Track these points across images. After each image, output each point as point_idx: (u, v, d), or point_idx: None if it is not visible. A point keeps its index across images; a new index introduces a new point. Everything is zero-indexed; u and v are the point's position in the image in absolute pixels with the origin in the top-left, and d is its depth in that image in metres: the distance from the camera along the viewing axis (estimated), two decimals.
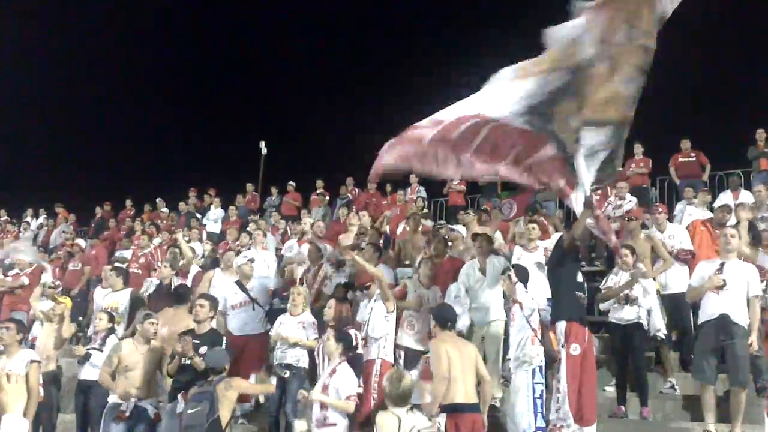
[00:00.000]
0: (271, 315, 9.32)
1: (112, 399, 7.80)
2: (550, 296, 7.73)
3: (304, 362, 8.34)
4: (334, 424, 6.61)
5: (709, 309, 7.28)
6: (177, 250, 11.20)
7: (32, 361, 7.33)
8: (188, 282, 10.56)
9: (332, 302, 7.94)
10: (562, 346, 6.84)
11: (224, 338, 7.82)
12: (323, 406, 6.67)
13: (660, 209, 10.09)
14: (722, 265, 7.35)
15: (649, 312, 8.11)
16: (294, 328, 8.41)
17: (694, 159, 14.11)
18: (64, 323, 9.11)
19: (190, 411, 6.73)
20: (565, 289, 7.21)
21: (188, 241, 14.04)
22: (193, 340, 7.45)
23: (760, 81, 18.19)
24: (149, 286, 10.97)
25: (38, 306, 10.22)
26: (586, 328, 7.05)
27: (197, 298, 8.19)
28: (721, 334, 7.10)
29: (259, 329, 9.17)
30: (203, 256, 13.43)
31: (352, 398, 6.70)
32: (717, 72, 20.30)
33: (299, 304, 8.57)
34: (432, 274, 8.55)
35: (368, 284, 8.52)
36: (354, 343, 7.46)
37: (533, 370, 6.70)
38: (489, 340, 8.20)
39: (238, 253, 10.88)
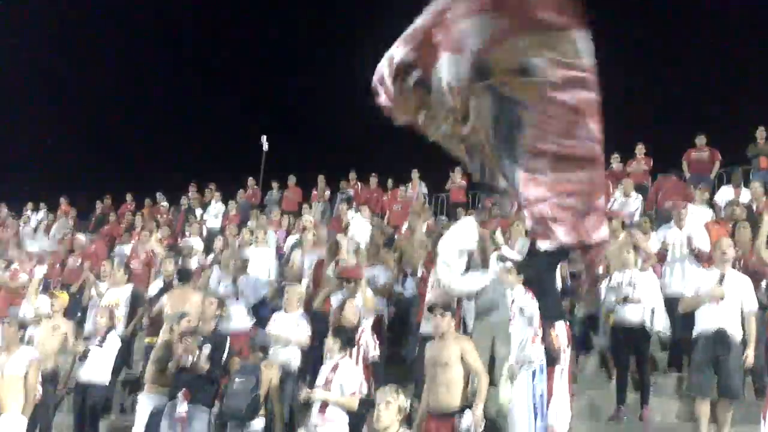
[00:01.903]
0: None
1: (155, 401, 7.71)
2: None
3: (297, 362, 8.37)
4: (332, 421, 6.62)
5: (706, 322, 7.23)
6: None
7: (32, 360, 7.31)
8: None
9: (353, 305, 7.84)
10: (568, 347, 6.86)
11: (228, 338, 7.81)
12: (323, 403, 6.68)
13: (684, 204, 9.93)
14: (723, 276, 7.31)
15: (653, 311, 8.07)
16: (287, 326, 8.41)
17: (707, 155, 14.07)
18: (69, 339, 9.09)
19: (238, 379, 7.33)
20: (554, 291, 7.22)
21: (188, 237, 14.06)
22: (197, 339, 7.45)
23: (761, 78, 18.14)
24: (154, 287, 10.84)
25: (31, 305, 10.20)
26: None
27: (205, 296, 8.18)
28: (718, 347, 7.08)
29: (242, 324, 9.17)
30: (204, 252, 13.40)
31: (356, 394, 6.73)
32: (719, 69, 20.23)
33: (294, 303, 8.57)
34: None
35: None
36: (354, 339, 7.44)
37: (533, 371, 6.63)
38: (500, 341, 8.14)
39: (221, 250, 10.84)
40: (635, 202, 11.62)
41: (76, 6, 28.32)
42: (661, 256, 9.24)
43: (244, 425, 7.27)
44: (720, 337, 7.10)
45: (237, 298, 9.36)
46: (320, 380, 6.92)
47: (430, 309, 6.85)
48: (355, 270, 8.65)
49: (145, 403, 7.87)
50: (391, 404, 5.08)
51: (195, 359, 7.36)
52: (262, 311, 9.38)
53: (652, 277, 8.45)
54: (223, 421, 7.49)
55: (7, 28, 24.52)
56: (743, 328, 7.18)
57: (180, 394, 7.28)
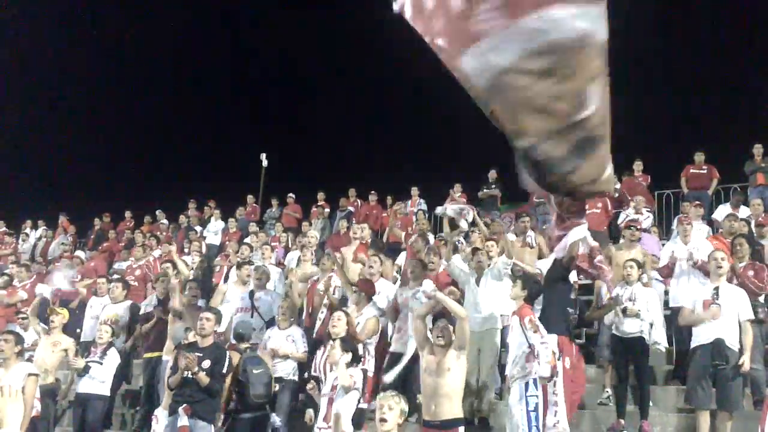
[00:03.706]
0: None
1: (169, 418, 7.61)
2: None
3: (294, 375, 8.48)
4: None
5: (704, 333, 7.36)
6: (169, 266, 11.16)
7: (30, 374, 7.31)
8: None
9: (341, 315, 7.80)
10: (559, 359, 6.89)
11: (227, 352, 7.80)
12: (329, 407, 6.73)
13: (688, 220, 10.03)
14: (717, 289, 7.46)
15: (651, 325, 8.11)
16: (283, 342, 8.51)
17: (705, 172, 14.17)
18: (69, 355, 9.09)
19: (255, 370, 7.78)
20: (558, 305, 7.25)
21: (187, 254, 14.06)
22: (196, 354, 7.42)
23: (758, 96, 18.27)
24: (148, 302, 10.82)
25: (36, 320, 10.18)
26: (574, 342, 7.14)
27: (203, 311, 8.17)
28: (716, 357, 7.20)
29: (255, 339, 9.13)
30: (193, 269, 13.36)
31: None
32: (716, 87, 20.40)
33: (287, 318, 8.69)
34: None
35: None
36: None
37: (527, 383, 6.72)
38: (486, 352, 8.19)
39: (239, 265, 10.84)
40: (647, 221, 11.67)
41: (75, 23, 28.53)
42: (669, 271, 9.31)
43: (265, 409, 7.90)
44: (718, 348, 7.21)
45: (252, 315, 9.37)
46: (326, 388, 6.97)
47: (435, 320, 6.85)
48: (368, 284, 8.71)
49: (163, 418, 7.83)
50: (394, 408, 5.15)
51: (195, 374, 7.34)
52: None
53: (654, 292, 8.51)
54: (247, 405, 7.77)
55: (6, 44, 24.70)
56: (740, 340, 7.29)
57: (180, 409, 7.27)
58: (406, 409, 5.27)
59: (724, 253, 7.86)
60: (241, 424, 7.83)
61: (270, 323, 9.30)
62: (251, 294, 9.61)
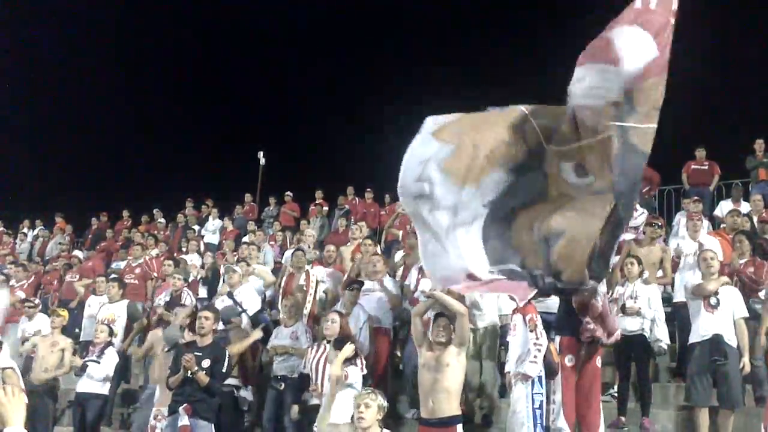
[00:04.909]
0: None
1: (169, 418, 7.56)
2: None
3: (298, 373, 8.38)
4: (337, 425, 6.60)
5: (702, 329, 7.38)
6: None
7: (4, 369, 7.30)
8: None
9: (335, 316, 7.74)
10: (566, 358, 6.86)
11: (227, 351, 7.75)
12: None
13: (698, 216, 10.03)
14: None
15: (653, 321, 8.09)
16: (287, 339, 8.52)
17: (706, 168, 14.16)
18: (66, 355, 9.08)
19: None
20: (566, 308, 7.23)
21: (185, 253, 14.03)
22: (195, 353, 7.36)
23: (760, 91, 18.26)
24: (160, 300, 10.74)
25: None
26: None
27: (201, 309, 8.12)
28: (714, 354, 7.20)
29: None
30: (202, 268, 13.33)
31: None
32: (717, 83, 20.39)
33: (292, 316, 8.68)
34: None
35: None
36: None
37: (532, 381, 6.66)
38: (488, 349, 8.15)
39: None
40: (640, 217, 11.64)
41: (74, 22, 28.47)
42: (674, 265, 9.29)
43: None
44: (716, 345, 7.21)
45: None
46: (326, 388, 6.95)
47: (436, 318, 6.76)
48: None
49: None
50: (371, 405, 5.12)
51: (194, 373, 7.29)
52: (262, 319, 9.37)
53: (655, 289, 8.48)
54: None
55: (6, 43, 24.66)
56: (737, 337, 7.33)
57: (181, 409, 7.21)
58: (385, 404, 5.29)
59: (713, 253, 7.83)
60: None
61: (257, 314, 9.31)
62: (230, 294, 9.60)
